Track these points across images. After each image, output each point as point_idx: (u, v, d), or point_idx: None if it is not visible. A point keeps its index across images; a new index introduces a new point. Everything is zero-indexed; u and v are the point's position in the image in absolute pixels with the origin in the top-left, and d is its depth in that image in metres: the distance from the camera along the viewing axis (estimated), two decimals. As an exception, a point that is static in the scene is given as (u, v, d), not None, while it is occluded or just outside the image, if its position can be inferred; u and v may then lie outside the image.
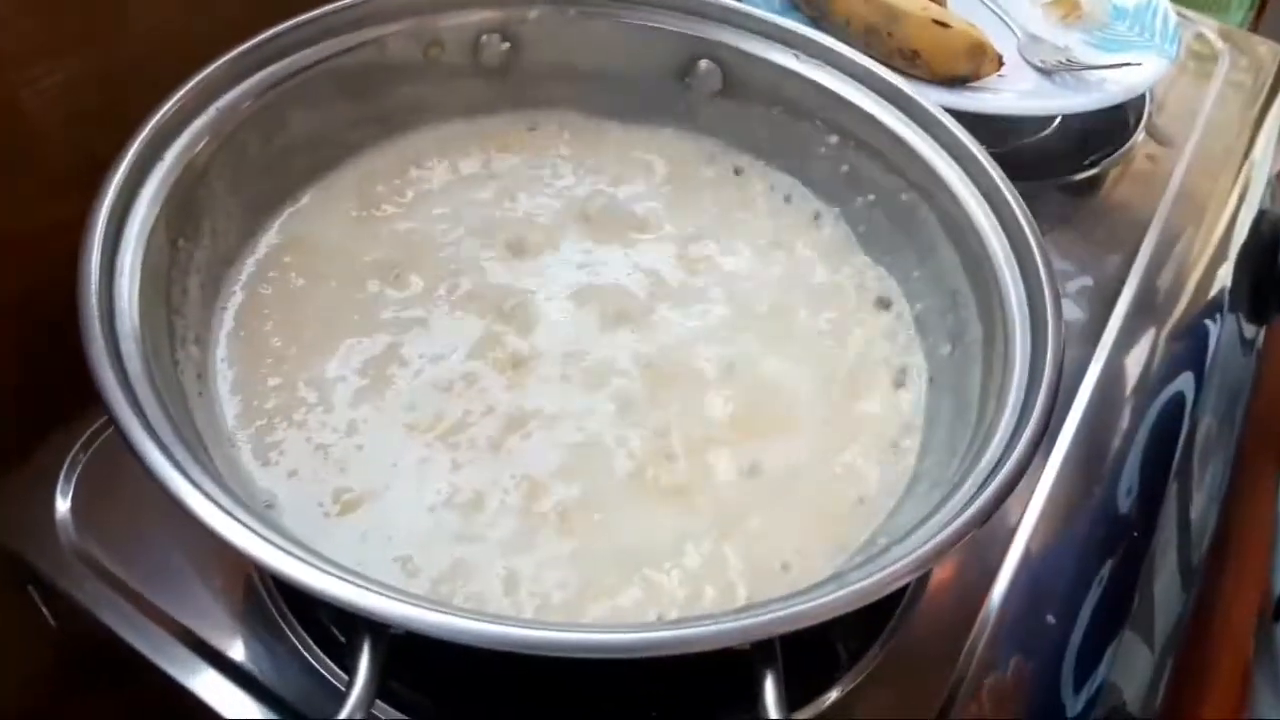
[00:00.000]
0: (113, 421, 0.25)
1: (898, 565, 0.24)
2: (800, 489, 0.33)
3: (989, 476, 0.26)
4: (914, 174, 0.38)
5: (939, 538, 0.25)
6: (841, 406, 0.35)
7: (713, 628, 0.22)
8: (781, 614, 0.22)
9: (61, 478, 0.37)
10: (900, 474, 0.33)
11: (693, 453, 0.33)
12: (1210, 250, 0.53)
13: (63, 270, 0.30)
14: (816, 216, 0.42)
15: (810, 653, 0.35)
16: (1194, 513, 0.50)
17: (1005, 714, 0.35)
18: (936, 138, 0.38)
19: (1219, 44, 0.66)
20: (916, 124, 0.39)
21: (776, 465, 0.33)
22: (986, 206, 0.36)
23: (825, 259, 0.41)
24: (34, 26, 0.38)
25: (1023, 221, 0.34)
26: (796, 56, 0.41)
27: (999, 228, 0.35)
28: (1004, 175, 0.36)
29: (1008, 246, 0.35)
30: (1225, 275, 0.53)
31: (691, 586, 0.30)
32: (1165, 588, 0.49)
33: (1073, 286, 0.49)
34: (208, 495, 0.25)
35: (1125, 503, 0.43)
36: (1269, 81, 0.65)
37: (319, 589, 0.22)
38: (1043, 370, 0.30)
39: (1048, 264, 0.33)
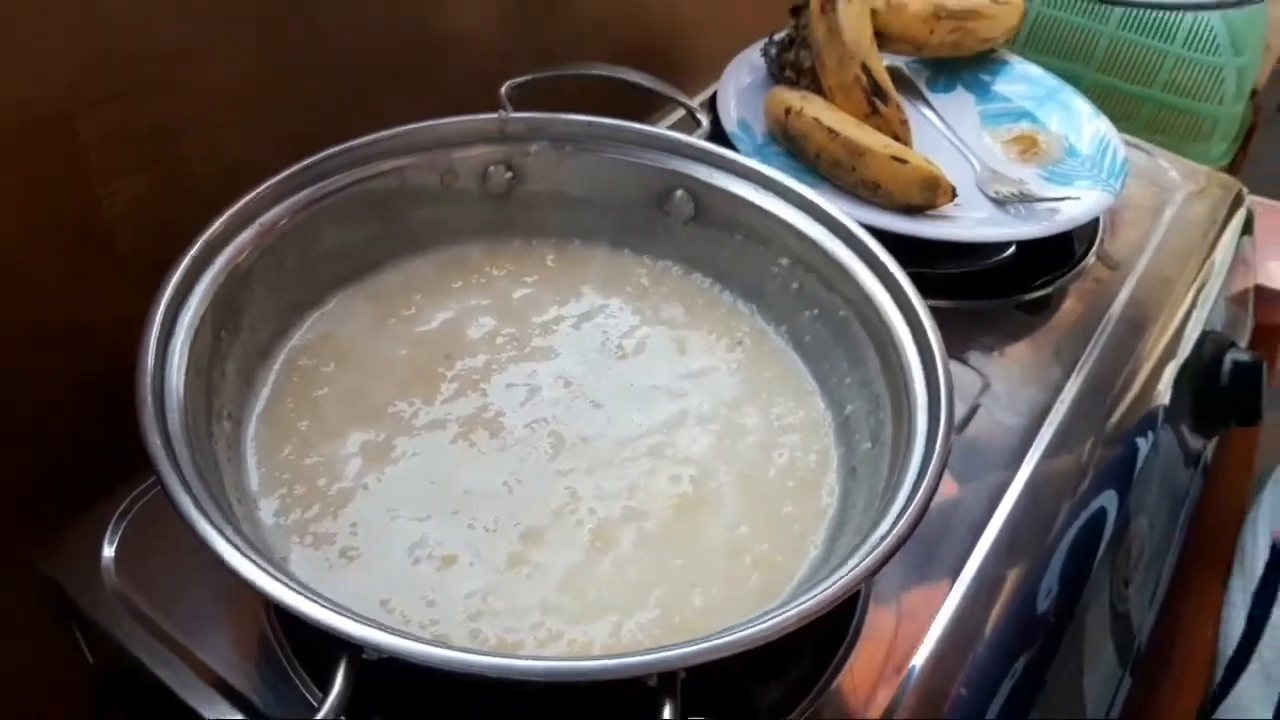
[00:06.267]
0: (156, 476, 0.32)
1: (753, 630, 0.29)
2: (720, 559, 0.38)
3: (856, 563, 0.32)
4: (849, 292, 0.44)
5: (791, 612, 0.30)
6: (774, 485, 0.41)
7: (607, 663, 0.28)
8: (661, 655, 0.28)
9: (109, 531, 0.43)
10: (817, 549, 0.39)
11: (629, 518, 0.39)
12: (1146, 370, 0.57)
13: (127, 355, 0.37)
14: (766, 334, 0.48)
15: (741, 706, 0.40)
16: (1131, 612, 0.54)
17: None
18: (868, 261, 0.44)
19: (1177, 177, 0.72)
20: (852, 249, 0.45)
21: (707, 539, 0.39)
22: (904, 322, 0.42)
23: (776, 370, 0.47)
24: (118, 151, 0.46)
25: (931, 337, 0.40)
26: (755, 189, 0.48)
27: (913, 341, 0.41)
28: (919, 295, 0.42)
29: (919, 357, 0.40)
30: (1163, 393, 0.58)
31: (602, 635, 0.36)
32: (1099, 681, 0.52)
33: (1017, 395, 0.54)
34: (227, 539, 0.31)
35: (1044, 603, 0.47)
36: (1222, 214, 0.71)
37: (295, 607, 0.28)
38: (927, 469, 0.35)
39: (949, 380, 0.39)
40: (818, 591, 0.31)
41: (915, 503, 0.34)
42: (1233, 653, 0.59)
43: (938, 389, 0.38)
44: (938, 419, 0.37)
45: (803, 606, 0.30)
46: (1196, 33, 0.98)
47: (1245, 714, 0.56)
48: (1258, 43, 1.09)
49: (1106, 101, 0.98)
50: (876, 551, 0.32)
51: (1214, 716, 0.59)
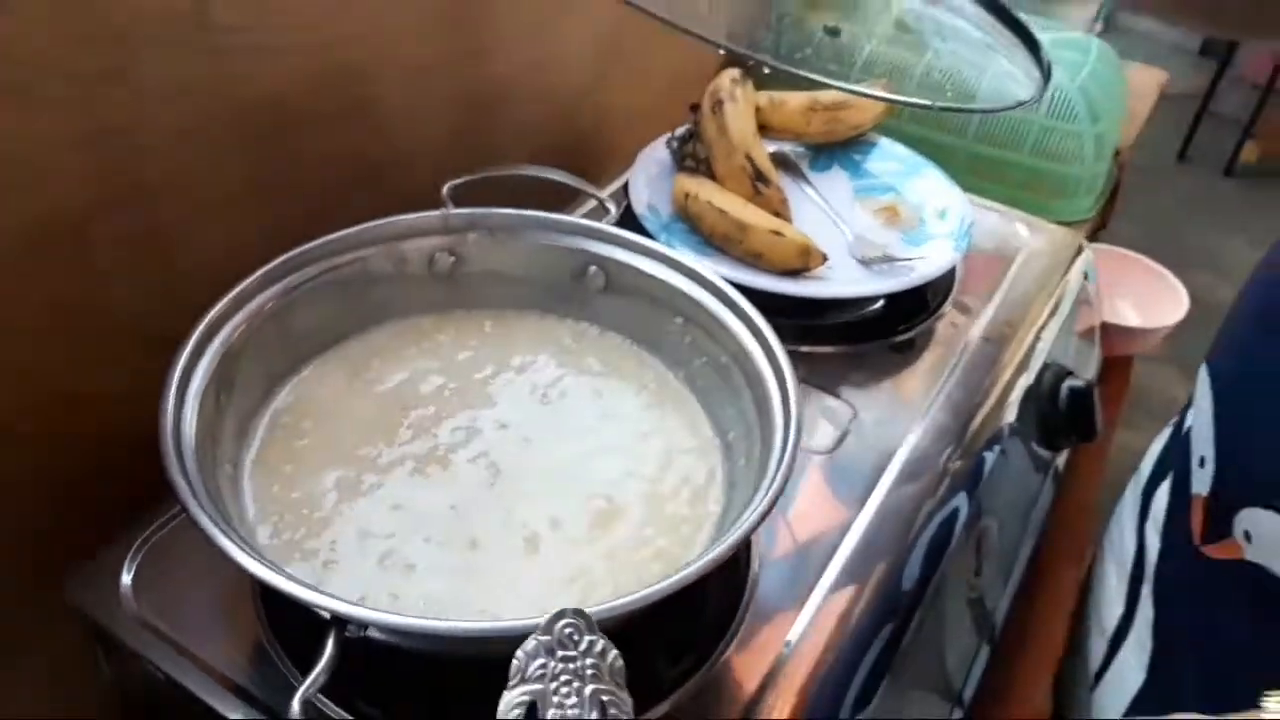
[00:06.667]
0: (181, 506, 0.41)
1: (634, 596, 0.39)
2: (627, 555, 0.48)
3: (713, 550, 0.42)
4: (728, 343, 0.55)
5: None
6: (672, 496, 0.52)
7: (526, 622, 0.37)
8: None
9: (126, 562, 0.52)
10: (703, 545, 0.49)
11: (555, 528, 0.49)
12: (994, 397, 0.69)
13: (137, 417, 0.46)
14: (665, 378, 0.59)
15: (647, 672, 0.49)
16: (985, 597, 0.65)
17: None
18: (741, 316, 0.55)
19: (1025, 233, 0.85)
20: (729, 308, 0.56)
21: (618, 541, 0.49)
22: (769, 365, 0.53)
23: (674, 406, 0.57)
24: (122, 251, 0.56)
25: (787, 376, 0.51)
26: (652, 262, 0.59)
27: (775, 379, 0.52)
28: (780, 343, 0.53)
29: (779, 391, 0.51)
30: (1009, 415, 0.69)
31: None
32: (959, 657, 0.63)
33: (884, 421, 0.65)
34: (238, 546, 0.40)
35: (908, 585, 0.58)
36: (1064, 264, 0.83)
37: (298, 595, 0.38)
38: (776, 476, 0.45)
39: (799, 406, 0.49)
40: (677, 575, 0.41)
41: (764, 502, 0.44)
42: (1113, 631, 0.70)
43: (789, 416, 0.49)
44: (788, 438, 0.48)
45: (664, 584, 0.40)
46: (1057, 104, 1.12)
47: (1125, 679, 0.66)
48: (1115, 110, 1.23)
49: (983, 167, 1.12)
50: (729, 541, 0.42)
51: (1099, 685, 0.69)
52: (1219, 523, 0.56)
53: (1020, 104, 0.52)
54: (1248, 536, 0.54)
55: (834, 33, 0.50)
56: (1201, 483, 0.59)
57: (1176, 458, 0.64)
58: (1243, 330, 0.57)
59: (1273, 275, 0.57)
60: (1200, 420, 0.59)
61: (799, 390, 0.50)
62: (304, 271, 0.55)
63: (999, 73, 0.54)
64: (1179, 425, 0.66)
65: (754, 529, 0.43)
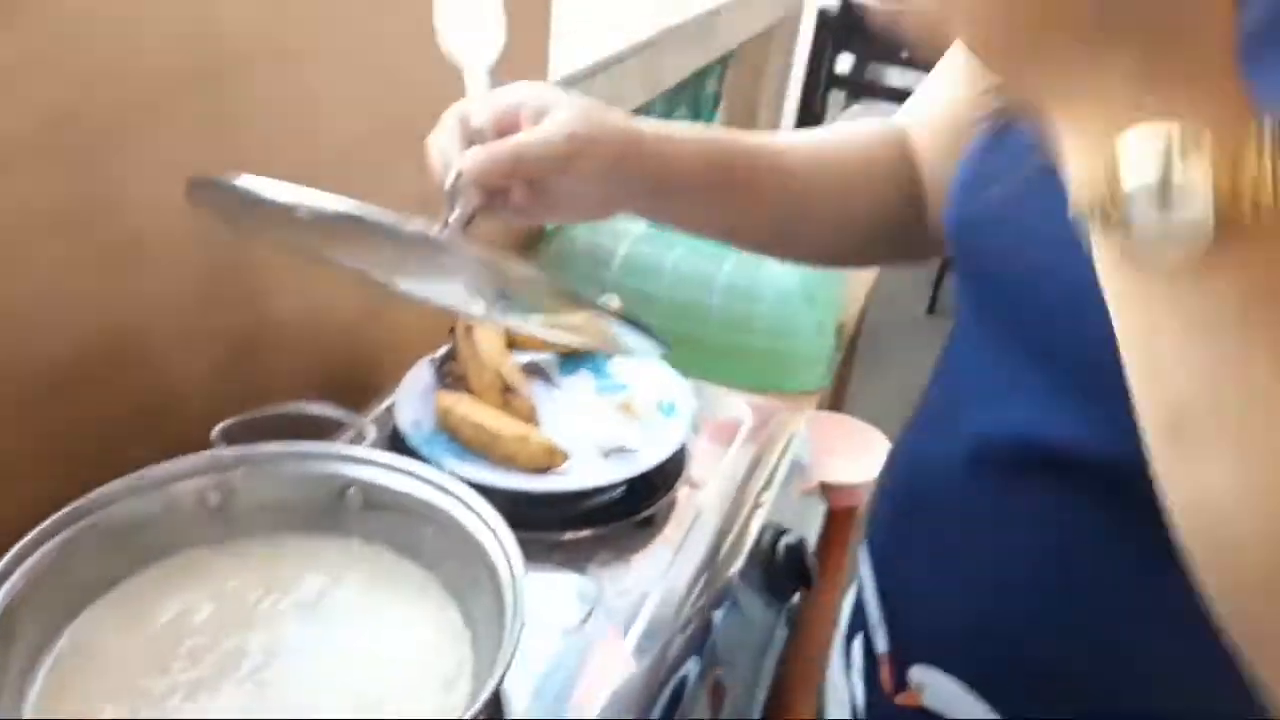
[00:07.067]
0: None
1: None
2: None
3: None
4: (472, 546, 0.65)
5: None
6: (425, 685, 0.59)
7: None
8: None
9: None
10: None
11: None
12: (720, 559, 0.81)
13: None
14: (423, 580, 0.67)
15: None
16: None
17: None
18: (484, 520, 0.65)
19: (748, 410, 1.00)
20: (474, 513, 0.65)
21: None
22: (505, 560, 0.62)
23: (430, 606, 0.66)
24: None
25: (514, 569, 0.61)
26: (404, 478, 0.68)
27: (510, 574, 0.61)
28: (514, 541, 0.63)
29: (512, 584, 0.61)
30: (735, 574, 0.81)
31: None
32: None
33: (626, 594, 0.76)
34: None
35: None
36: (782, 434, 0.98)
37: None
38: (499, 666, 0.54)
39: (521, 596, 0.59)
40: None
41: (488, 689, 0.53)
42: None
43: (516, 606, 0.58)
44: (513, 628, 0.57)
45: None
46: (779, 292, 1.32)
47: None
48: (833, 292, 1.45)
49: (724, 351, 1.29)
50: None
51: None
52: (899, 676, 0.66)
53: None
54: (920, 688, 0.65)
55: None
56: (881, 642, 0.68)
57: (861, 617, 0.74)
58: (882, 508, 0.70)
59: (898, 453, 0.70)
60: (868, 591, 0.70)
61: (523, 581, 0.60)
62: (77, 525, 0.61)
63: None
64: (860, 589, 0.76)
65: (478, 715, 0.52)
